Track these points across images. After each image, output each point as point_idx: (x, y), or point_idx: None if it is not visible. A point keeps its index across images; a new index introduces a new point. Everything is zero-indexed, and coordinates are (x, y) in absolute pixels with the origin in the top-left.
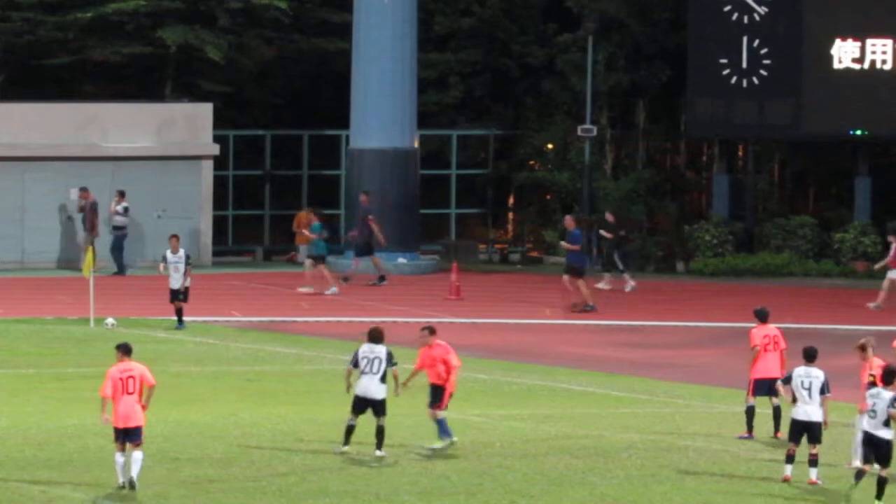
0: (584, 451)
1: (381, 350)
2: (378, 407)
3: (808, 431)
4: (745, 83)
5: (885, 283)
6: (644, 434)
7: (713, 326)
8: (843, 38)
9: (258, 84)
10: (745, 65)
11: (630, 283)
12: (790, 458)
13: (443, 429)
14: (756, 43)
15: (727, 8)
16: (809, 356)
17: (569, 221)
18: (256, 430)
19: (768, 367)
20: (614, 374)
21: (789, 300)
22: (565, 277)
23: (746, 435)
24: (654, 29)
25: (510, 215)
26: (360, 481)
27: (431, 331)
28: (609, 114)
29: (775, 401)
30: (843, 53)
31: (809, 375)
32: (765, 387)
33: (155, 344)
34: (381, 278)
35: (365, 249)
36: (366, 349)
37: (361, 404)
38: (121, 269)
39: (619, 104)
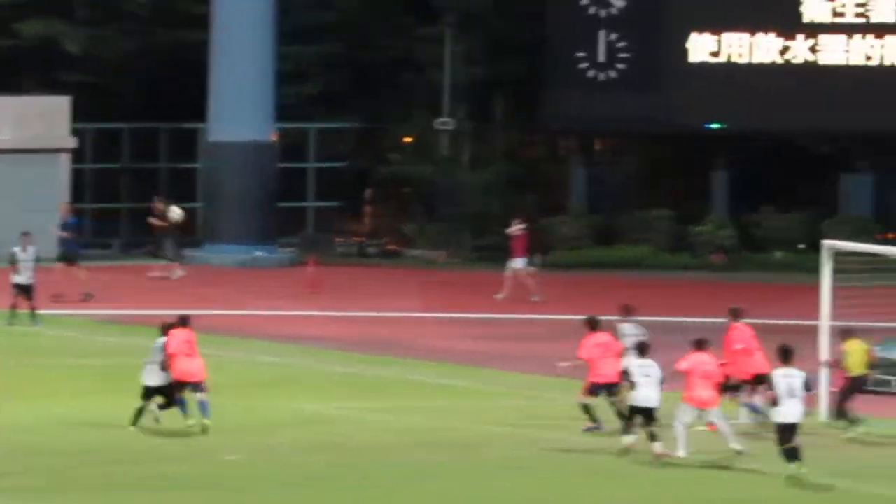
0: (444, 443)
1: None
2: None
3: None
4: (603, 77)
5: (509, 274)
6: (505, 426)
7: (571, 319)
8: (700, 32)
9: (118, 77)
10: (602, 58)
11: (178, 272)
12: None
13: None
14: (614, 36)
15: (584, 2)
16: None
17: (64, 209)
18: (118, 420)
19: (606, 371)
20: (474, 366)
21: (646, 293)
22: (59, 266)
23: (593, 426)
24: (513, 22)
25: (369, 209)
26: (225, 472)
27: None
28: (468, 107)
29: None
30: (700, 47)
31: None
32: (602, 390)
33: (11, 338)
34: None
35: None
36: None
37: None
38: None
39: (479, 97)
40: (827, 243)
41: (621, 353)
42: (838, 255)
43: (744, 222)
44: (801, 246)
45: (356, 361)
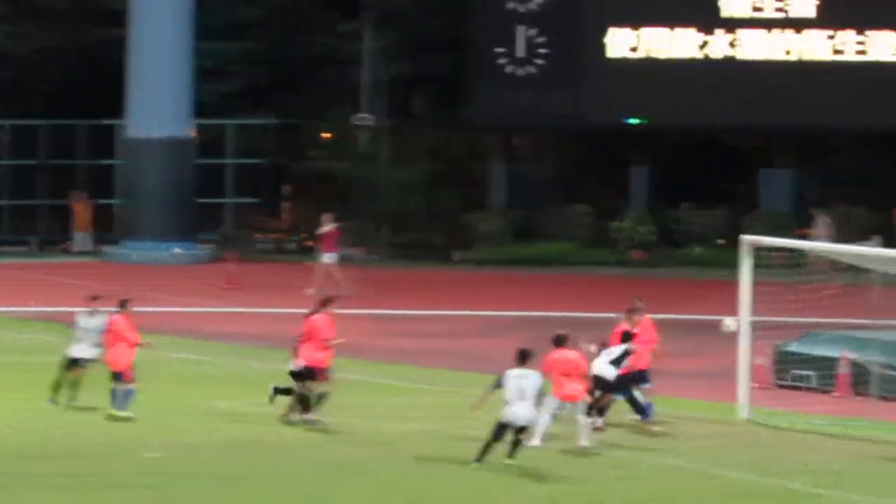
0: (364, 440)
1: None
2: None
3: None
4: (523, 72)
5: (319, 269)
6: (424, 423)
7: (490, 315)
8: (619, 27)
9: (35, 73)
10: (522, 54)
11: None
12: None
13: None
14: (533, 32)
15: None
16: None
17: None
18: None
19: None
20: (392, 363)
21: (565, 289)
22: None
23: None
24: (434, 19)
25: (287, 205)
26: (143, 470)
27: None
28: (389, 103)
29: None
30: (619, 42)
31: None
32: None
33: None
34: None
35: None
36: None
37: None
38: None
39: (400, 94)
40: (746, 239)
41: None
42: (757, 251)
43: (664, 218)
44: (721, 242)
45: (274, 358)
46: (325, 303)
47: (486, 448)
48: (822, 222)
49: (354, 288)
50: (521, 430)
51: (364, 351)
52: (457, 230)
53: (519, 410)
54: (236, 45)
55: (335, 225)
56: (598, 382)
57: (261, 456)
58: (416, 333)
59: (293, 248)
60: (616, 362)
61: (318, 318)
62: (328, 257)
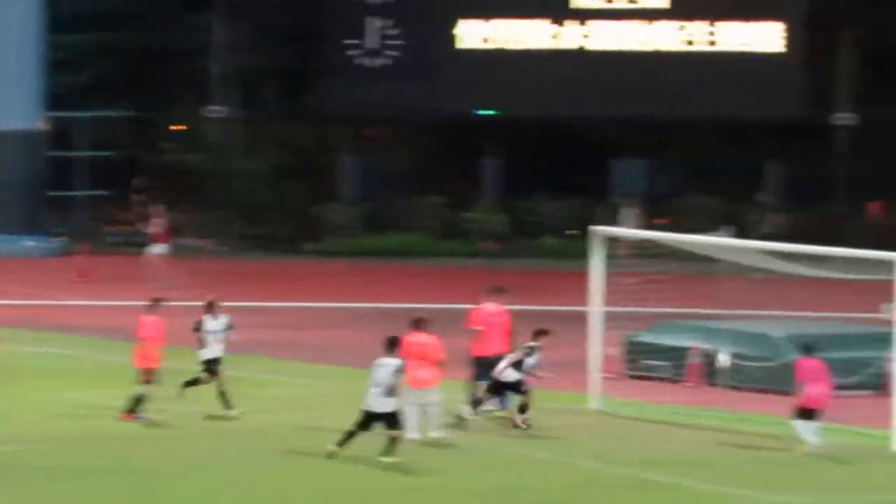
0: (218, 432)
1: None
2: None
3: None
4: (373, 64)
5: (149, 259)
6: (278, 414)
7: (341, 307)
8: (471, 19)
9: None
10: (374, 46)
11: None
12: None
13: None
14: (384, 23)
15: None
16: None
17: None
18: None
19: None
20: (244, 354)
21: (417, 280)
22: None
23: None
24: (283, 10)
25: (138, 197)
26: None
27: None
28: (240, 95)
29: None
30: (472, 33)
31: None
32: None
33: None
34: None
35: None
36: None
37: None
38: None
39: (250, 86)
40: (597, 229)
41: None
42: (609, 241)
43: (516, 209)
44: (573, 232)
45: (126, 351)
46: (154, 302)
47: (349, 436)
48: (628, 214)
49: (184, 280)
50: (387, 422)
51: None
52: (307, 222)
53: (371, 399)
54: (88, 37)
55: (165, 217)
56: (502, 384)
57: (116, 449)
58: (267, 325)
59: (144, 240)
60: (517, 365)
61: (147, 319)
62: (158, 249)
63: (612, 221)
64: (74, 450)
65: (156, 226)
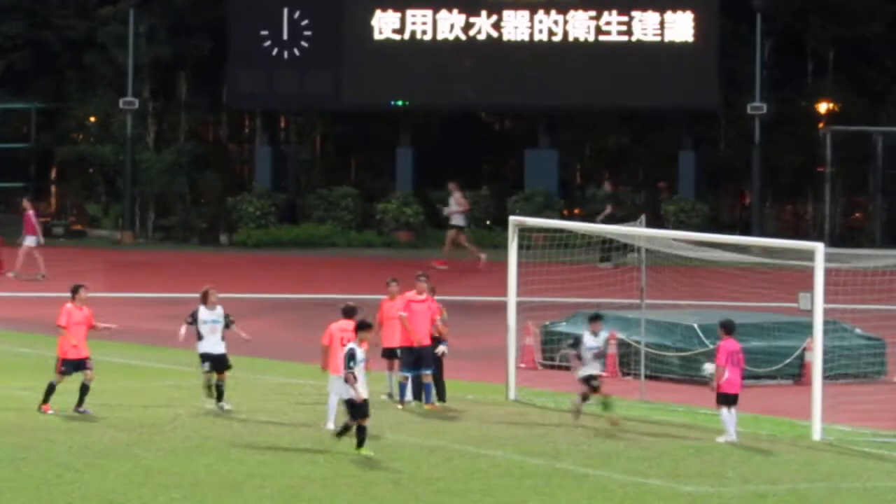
0: (128, 423)
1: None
2: None
3: None
4: (286, 54)
5: (22, 251)
6: (189, 406)
7: (255, 298)
8: (384, 10)
9: None
10: (285, 36)
11: None
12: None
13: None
14: (297, 14)
15: None
16: None
17: None
18: None
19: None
20: (156, 346)
21: (330, 271)
22: None
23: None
24: (199, 1)
25: (53, 189)
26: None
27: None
28: (151, 86)
29: None
30: (384, 24)
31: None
32: None
33: None
34: None
35: None
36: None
37: None
38: None
39: (162, 77)
40: (513, 219)
41: None
42: (523, 231)
43: (430, 199)
44: (487, 222)
45: (35, 342)
46: (75, 292)
47: (345, 429)
48: (456, 199)
49: (39, 271)
50: (350, 409)
51: (132, 334)
52: (220, 212)
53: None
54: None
55: (32, 208)
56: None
57: (18, 440)
58: (181, 316)
59: (60, 231)
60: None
61: (68, 308)
62: (29, 240)
63: (525, 211)
64: None
65: (26, 217)
